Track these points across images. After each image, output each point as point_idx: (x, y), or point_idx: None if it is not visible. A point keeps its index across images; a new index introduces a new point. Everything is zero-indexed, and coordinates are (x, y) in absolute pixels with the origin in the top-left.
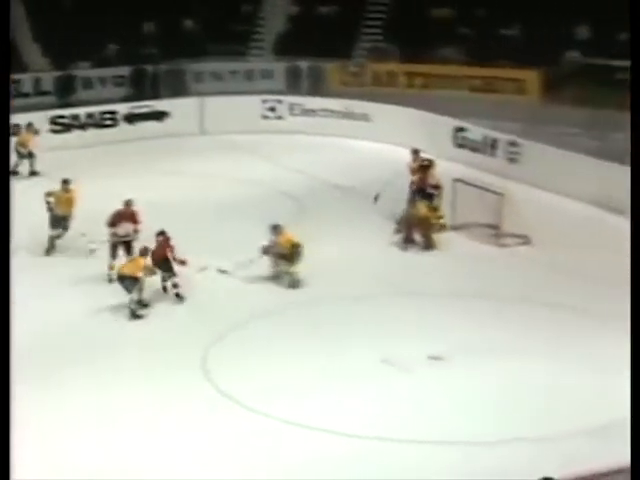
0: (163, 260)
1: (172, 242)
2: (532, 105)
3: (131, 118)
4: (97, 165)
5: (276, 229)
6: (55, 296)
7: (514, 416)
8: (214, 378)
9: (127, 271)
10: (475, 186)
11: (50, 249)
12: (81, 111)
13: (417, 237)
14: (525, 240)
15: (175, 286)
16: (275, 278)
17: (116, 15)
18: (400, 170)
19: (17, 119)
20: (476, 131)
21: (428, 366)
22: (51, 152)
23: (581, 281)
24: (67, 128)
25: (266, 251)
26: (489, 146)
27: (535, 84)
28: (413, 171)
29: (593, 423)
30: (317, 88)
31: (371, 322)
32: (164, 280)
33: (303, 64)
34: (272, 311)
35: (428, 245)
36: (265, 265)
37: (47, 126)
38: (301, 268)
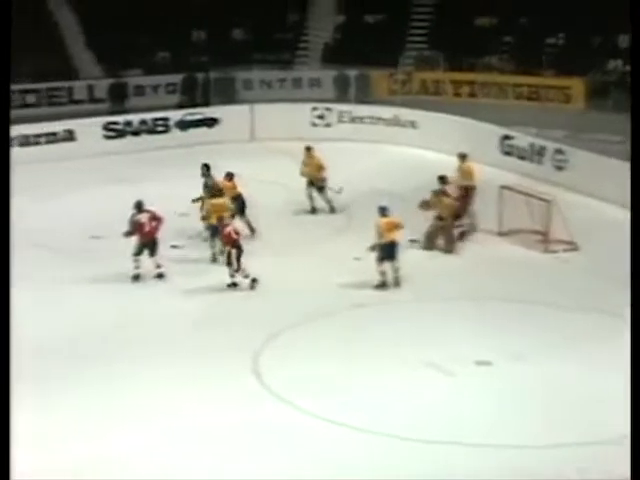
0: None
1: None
2: (577, 113)
3: (183, 125)
4: (150, 170)
5: (383, 211)
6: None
7: (557, 421)
8: (262, 372)
9: None
10: (522, 193)
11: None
12: (135, 118)
13: (440, 241)
14: (572, 246)
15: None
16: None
17: (167, 23)
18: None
19: (71, 125)
20: (523, 139)
21: (473, 371)
22: (104, 157)
23: (626, 288)
24: (121, 134)
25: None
26: (536, 154)
27: (580, 92)
28: (464, 174)
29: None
30: (365, 96)
31: (419, 325)
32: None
33: (351, 72)
34: (327, 312)
35: (450, 248)
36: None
37: (101, 132)
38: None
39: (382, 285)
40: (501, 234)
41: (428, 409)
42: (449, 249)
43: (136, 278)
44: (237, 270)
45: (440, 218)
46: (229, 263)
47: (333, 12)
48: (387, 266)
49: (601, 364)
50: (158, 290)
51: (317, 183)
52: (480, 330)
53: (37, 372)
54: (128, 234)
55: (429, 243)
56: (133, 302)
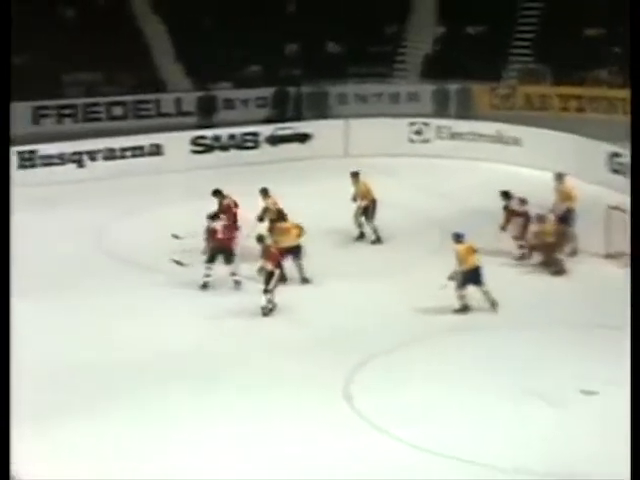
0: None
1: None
2: None
3: (273, 140)
4: (239, 185)
5: (459, 238)
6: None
7: None
8: (353, 398)
9: None
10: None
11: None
12: (223, 132)
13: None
14: None
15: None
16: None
17: (258, 36)
18: None
19: (158, 139)
20: None
21: (578, 400)
22: (192, 172)
23: None
24: (209, 149)
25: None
26: None
27: None
28: (562, 196)
29: None
30: (465, 111)
31: (520, 351)
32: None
33: (451, 86)
34: (420, 337)
35: (559, 270)
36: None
37: (188, 146)
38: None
39: (463, 309)
40: (608, 256)
41: (533, 440)
42: (559, 271)
43: (204, 286)
44: (270, 291)
45: (544, 243)
46: (268, 282)
47: (433, 23)
48: (473, 291)
49: None
50: (237, 308)
51: (365, 210)
52: (580, 357)
53: (117, 384)
54: (205, 252)
55: (547, 261)
56: (211, 317)
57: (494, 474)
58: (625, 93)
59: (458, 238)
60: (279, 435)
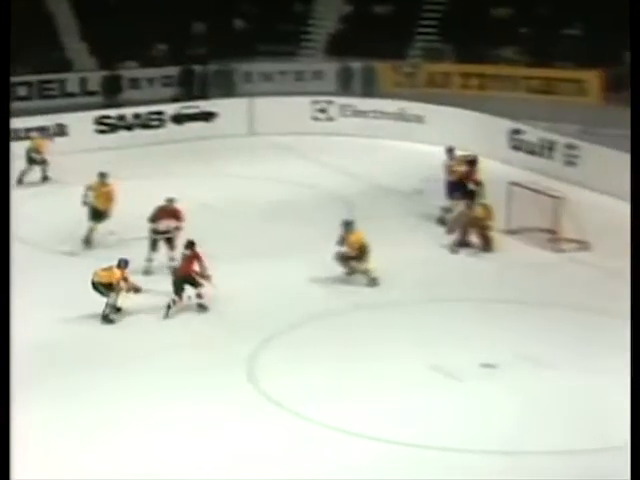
0: (188, 275)
1: (201, 254)
2: (592, 107)
3: (179, 118)
4: (143, 165)
5: (348, 225)
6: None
7: (565, 427)
8: (259, 380)
9: (98, 279)
10: (531, 189)
11: (88, 241)
12: (128, 111)
13: (473, 239)
14: (584, 246)
15: (199, 296)
16: (349, 275)
17: (165, 14)
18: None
19: (63, 119)
20: (532, 133)
21: (479, 374)
22: (97, 152)
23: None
24: (113, 128)
25: (341, 243)
26: (546, 148)
27: (596, 85)
28: (451, 170)
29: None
30: (369, 89)
31: (422, 328)
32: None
33: (355, 65)
34: (324, 314)
35: (487, 247)
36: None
37: (92, 126)
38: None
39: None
40: (509, 232)
41: (433, 414)
42: (487, 248)
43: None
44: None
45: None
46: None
47: (340, 2)
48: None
49: (605, 367)
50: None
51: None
52: (484, 332)
53: None
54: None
55: (464, 240)
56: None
57: (405, 451)
58: (527, 71)
59: (348, 226)
60: (185, 421)
